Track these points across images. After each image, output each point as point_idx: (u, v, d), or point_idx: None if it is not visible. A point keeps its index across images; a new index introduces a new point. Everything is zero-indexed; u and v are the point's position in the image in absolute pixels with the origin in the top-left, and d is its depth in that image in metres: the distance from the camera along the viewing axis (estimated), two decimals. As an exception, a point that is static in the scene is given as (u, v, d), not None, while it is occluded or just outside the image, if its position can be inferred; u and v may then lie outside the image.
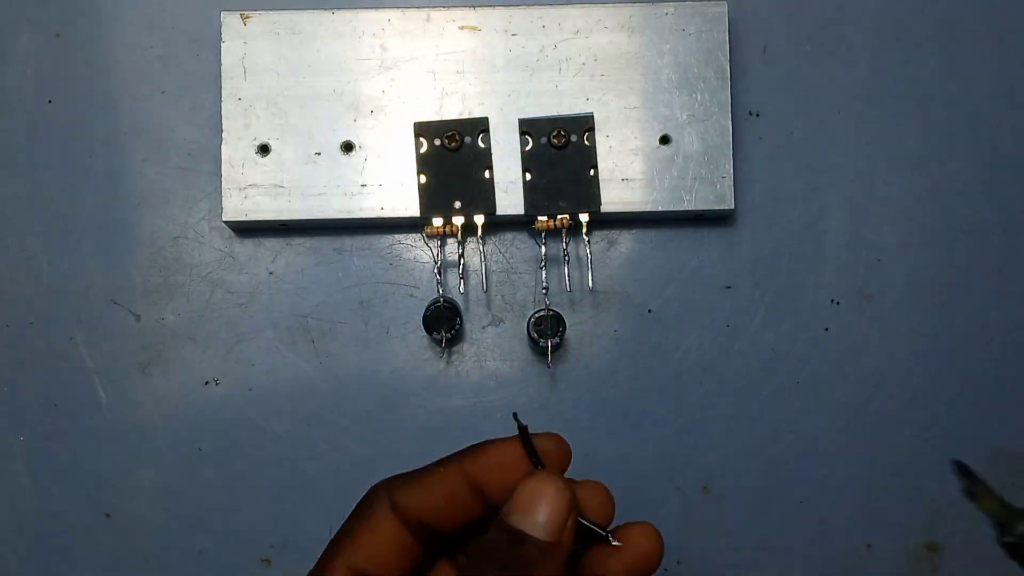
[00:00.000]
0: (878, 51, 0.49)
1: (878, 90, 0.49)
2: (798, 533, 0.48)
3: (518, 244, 0.48)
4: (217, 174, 0.47)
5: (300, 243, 0.48)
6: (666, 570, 0.47)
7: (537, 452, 0.35)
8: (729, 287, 0.48)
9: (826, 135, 0.49)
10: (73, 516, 0.47)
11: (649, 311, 0.48)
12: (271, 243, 0.48)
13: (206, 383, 0.48)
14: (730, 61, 0.47)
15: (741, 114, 0.49)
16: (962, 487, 0.36)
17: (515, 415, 0.35)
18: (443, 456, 0.37)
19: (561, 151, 0.46)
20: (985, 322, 0.49)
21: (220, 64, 0.47)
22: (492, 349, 0.48)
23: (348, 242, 0.48)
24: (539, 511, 0.34)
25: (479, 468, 0.37)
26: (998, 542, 0.36)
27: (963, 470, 0.37)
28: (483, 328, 0.48)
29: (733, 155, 0.47)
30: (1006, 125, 0.49)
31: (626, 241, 0.49)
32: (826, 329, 0.48)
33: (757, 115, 0.49)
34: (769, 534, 0.48)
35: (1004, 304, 0.49)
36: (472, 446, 0.38)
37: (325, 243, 0.48)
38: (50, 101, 0.49)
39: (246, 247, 0.48)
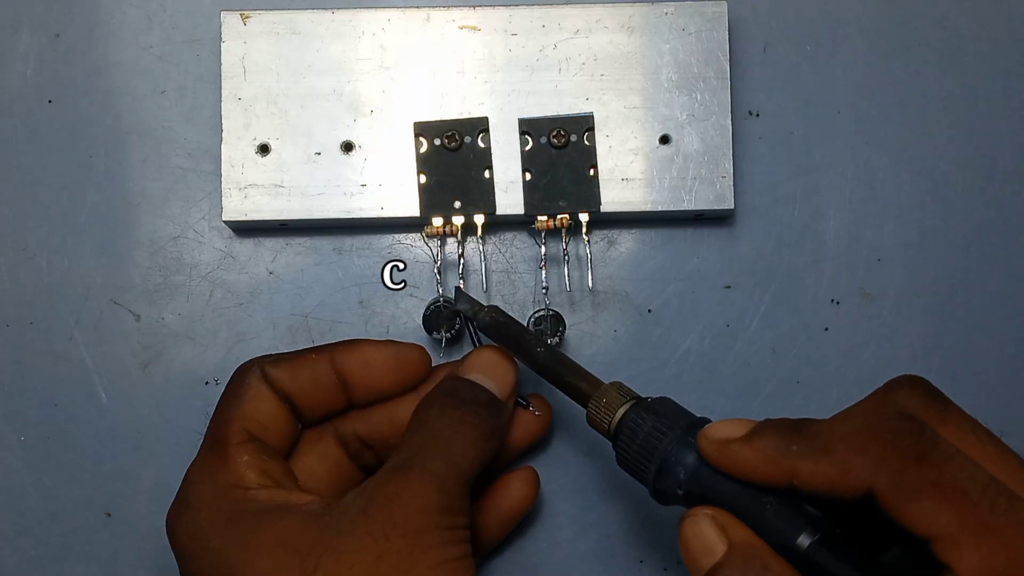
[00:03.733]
0: (878, 51, 0.49)
1: (878, 90, 0.49)
2: (798, 533, 0.48)
3: (518, 244, 0.48)
4: (217, 174, 0.47)
5: (300, 243, 0.48)
6: (665, 570, 0.47)
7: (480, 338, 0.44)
8: (729, 287, 0.48)
9: (826, 135, 0.49)
10: (73, 516, 0.47)
11: (649, 311, 0.48)
12: (271, 243, 0.48)
13: (206, 383, 0.48)
14: (730, 61, 0.47)
15: (741, 114, 0.49)
16: (453, 301, 0.45)
17: (457, 288, 0.45)
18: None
19: (561, 151, 0.46)
20: (985, 322, 0.49)
21: (220, 64, 0.47)
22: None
23: (348, 242, 0.48)
24: (496, 374, 0.42)
25: (348, 362, 0.42)
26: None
27: (457, 292, 0.45)
28: (483, 328, 0.48)
29: (733, 155, 0.47)
30: (1006, 125, 0.49)
31: (626, 241, 0.49)
32: (826, 329, 0.48)
33: (757, 115, 0.49)
34: (769, 534, 0.48)
35: (1004, 304, 0.49)
36: (345, 341, 0.43)
37: (325, 243, 0.48)
38: (50, 101, 0.49)
39: (246, 247, 0.48)
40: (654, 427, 0.38)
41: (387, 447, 0.43)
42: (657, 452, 0.37)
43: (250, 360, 0.42)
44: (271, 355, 0.42)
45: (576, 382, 0.41)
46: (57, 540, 0.47)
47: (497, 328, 0.43)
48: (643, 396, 0.40)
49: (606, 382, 0.41)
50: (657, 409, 0.39)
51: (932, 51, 0.49)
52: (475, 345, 0.44)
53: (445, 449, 0.38)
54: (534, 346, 0.42)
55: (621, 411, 0.39)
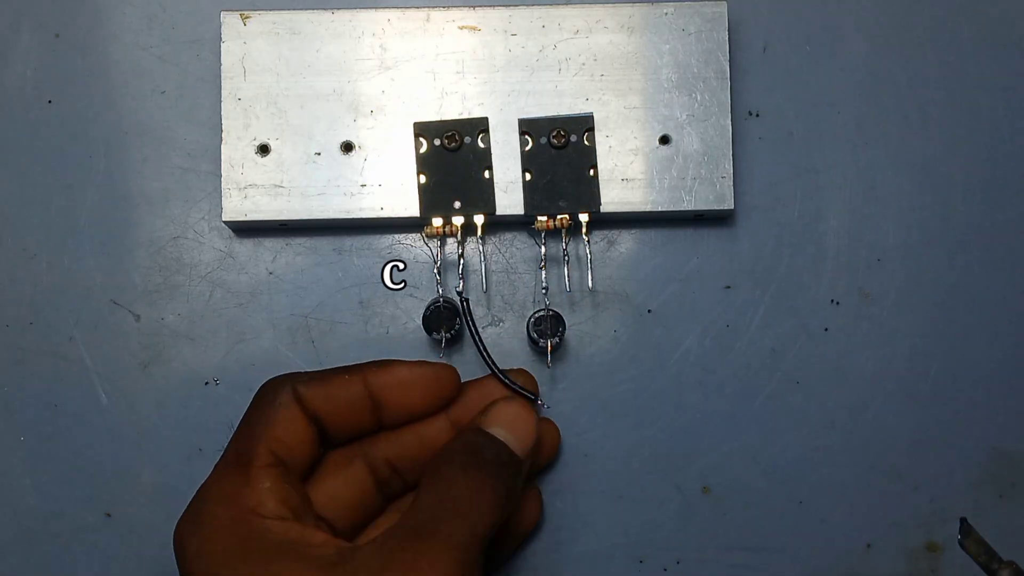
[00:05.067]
0: (878, 51, 0.49)
1: (878, 90, 0.49)
2: (798, 533, 0.48)
3: (518, 244, 0.48)
4: (217, 174, 0.47)
5: (300, 243, 0.48)
6: (665, 570, 0.47)
7: (513, 382, 0.44)
8: (729, 287, 0.48)
9: (826, 135, 0.49)
10: (73, 516, 0.47)
11: (649, 311, 0.48)
12: (271, 243, 0.48)
13: (206, 383, 0.48)
14: (730, 61, 0.47)
15: (741, 114, 0.49)
16: (960, 539, 0.38)
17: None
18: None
19: (561, 151, 0.46)
20: (985, 322, 0.49)
21: (220, 64, 0.47)
22: (491, 349, 0.48)
23: (348, 242, 0.48)
24: (520, 430, 0.41)
25: (382, 383, 0.42)
26: None
27: (963, 525, 0.38)
28: (483, 328, 0.48)
29: (733, 155, 0.47)
30: (1006, 125, 0.49)
31: (626, 241, 0.49)
32: (826, 329, 0.48)
33: (757, 115, 0.49)
34: (769, 534, 0.48)
35: (1004, 304, 0.49)
36: (378, 361, 0.42)
37: (325, 243, 0.48)
38: (50, 101, 0.49)
39: (246, 247, 0.48)
40: None
41: (416, 470, 0.43)
42: None
43: (281, 377, 0.41)
44: (302, 373, 0.41)
45: None
46: (57, 540, 0.47)
47: None
48: None
49: None
50: None
51: (932, 51, 0.49)
52: (476, 343, 0.44)
53: (466, 514, 0.37)
54: None
55: None
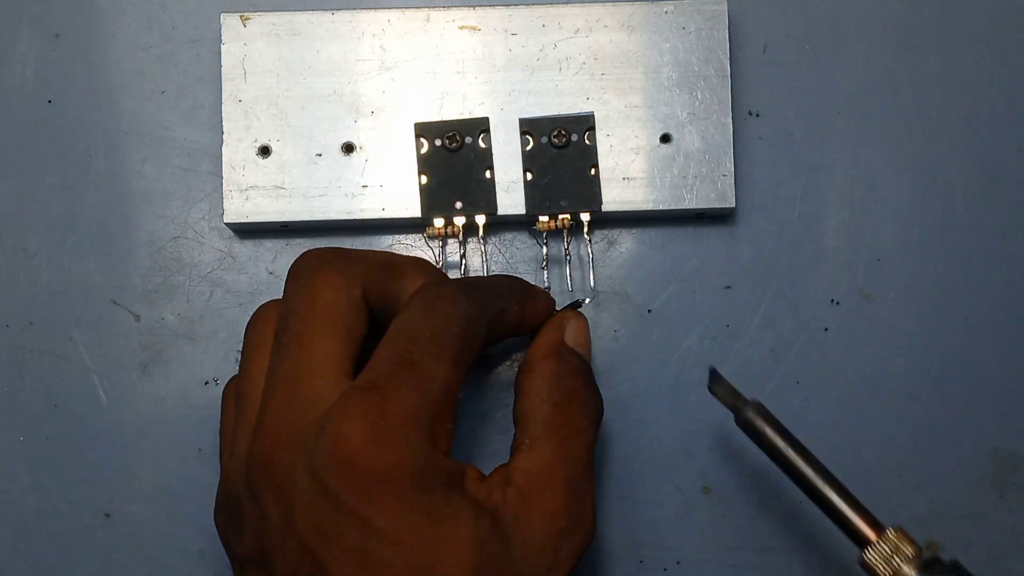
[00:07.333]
0: (878, 51, 0.49)
1: (878, 90, 0.49)
2: (798, 533, 0.48)
3: (519, 244, 0.48)
4: (217, 174, 0.48)
5: (300, 243, 0.48)
6: (665, 570, 0.47)
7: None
8: (729, 287, 0.49)
9: (826, 135, 0.49)
10: (73, 516, 0.47)
11: (649, 311, 0.48)
12: (271, 243, 0.48)
13: (206, 383, 0.48)
14: (730, 61, 0.47)
15: (741, 114, 0.49)
16: (709, 385, 0.41)
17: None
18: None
19: (562, 150, 0.46)
20: (985, 322, 0.49)
21: (220, 64, 0.47)
22: (495, 350, 0.48)
23: (347, 243, 0.48)
24: (588, 350, 0.43)
25: (531, 313, 0.43)
26: (736, 422, 0.40)
27: (712, 373, 0.41)
28: (483, 328, 0.48)
29: (734, 154, 0.47)
30: (1006, 125, 0.49)
31: (626, 241, 0.49)
32: (826, 329, 0.48)
33: (757, 115, 0.49)
34: (769, 534, 0.48)
35: (1004, 304, 0.49)
36: (521, 284, 0.43)
37: (324, 244, 0.48)
38: (50, 101, 0.49)
39: (246, 247, 0.48)
40: None
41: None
42: None
43: (464, 296, 0.39)
44: (462, 283, 0.41)
45: (853, 518, 0.38)
46: (57, 540, 0.47)
47: (758, 432, 0.40)
48: (933, 554, 0.38)
49: (882, 521, 0.38)
50: None
51: (932, 51, 0.49)
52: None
53: (579, 451, 0.40)
54: (802, 460, 0.39)
55: (909, 571, 0.37)
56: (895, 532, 0.38)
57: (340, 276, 0.39)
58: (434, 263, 0.47)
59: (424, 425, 0.36)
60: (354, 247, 0.48)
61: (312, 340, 0.38)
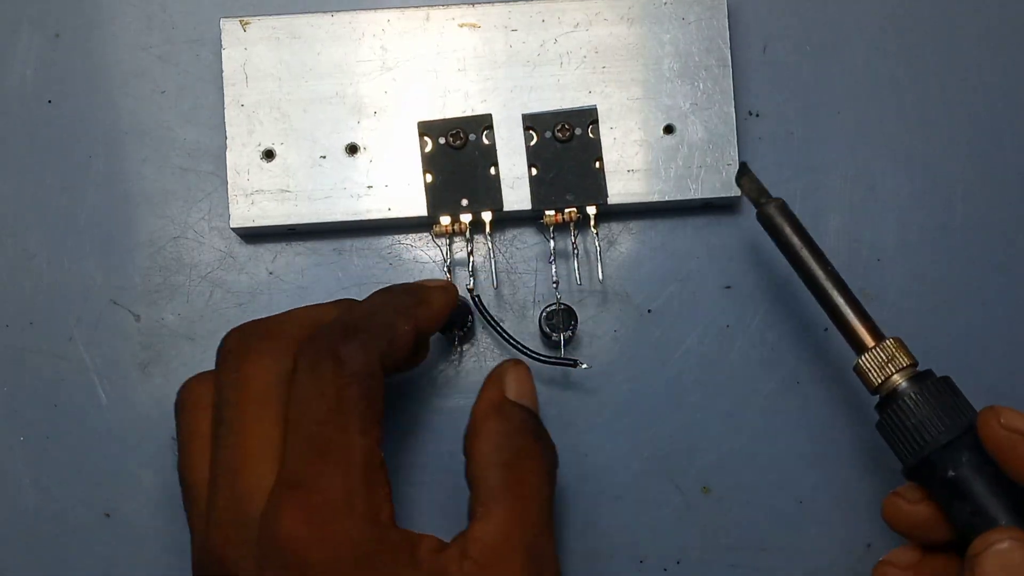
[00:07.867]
0: (878, 51, 0.49)
1: (878, 90, 0.49)
2: (798, 533, 0.48)
3: (526, 239, 0.48)
4: (217, 174, 0.48)
5: (300, 244, 0.48)
6: (665, 570, 0.47)
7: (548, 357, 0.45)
8: (729, 287, 0.49)
9: (826, 135, 0.49)
10: (73, 516, 0.47)
11: (649, 311, 0.48)
12: (271, 244, 0.48)
13: (206, 383, 0.48)
14: (730, 61, 0.47)
15: (741, 114, 0.49)
16: (736, 177, 0.41)
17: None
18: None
19: (566, 145, 0.46)
20: (985, 322, 0.49)
21: (220, 64, 0.47)
22: (504, 346, 0.48)
23: (348, 242, 0.48)
24: (534, 399, 0.42)
25: (425, 319, 0.41)
26: (756, 216, 0.40)
27: (742, 167, 0.41)
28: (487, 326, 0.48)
29: (737, 144, 0.46)
30: (1006, 125, 0.49)
31: (626, 241, 0.49)
32: (826, 329, 0.48)
33: (757, 115, 0.49)
34: (769, 534, 0.48)
35: (1004, 304, 0.49)
36: (408, 290, 0.42)
37: (325, 244, 0.48)
38: (50, 101, 0.49)
39: (246, 247, 0.48)
40: (931, 415, 0.37)
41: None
42: (927, 444, 0.37)
43: (360, 347, 0.38)
44: (367, 336, 0.38)
45: (856, 326, 0.39)
46: (57, 540, 0.47)
47: (776, 227, 0.40)
48: (924, 369, 0.39)
49: (884, 332, 0.39)
50: (940, 394, 0.38)
51: (931, 51, 0.49)
52: (500, 332, 0.45)
53: (535, 513, 0.38)
54: (816, 263, 0.40)
55: (900, 380, 0.38)
56: (894, 342, 0.39)
57: (267, 356, 0.38)
58: (442, 261, 0.47)
59: (359, 503, 0.36)
60: (353, 246, 0.48)
61: (245, 428, 0.38)
